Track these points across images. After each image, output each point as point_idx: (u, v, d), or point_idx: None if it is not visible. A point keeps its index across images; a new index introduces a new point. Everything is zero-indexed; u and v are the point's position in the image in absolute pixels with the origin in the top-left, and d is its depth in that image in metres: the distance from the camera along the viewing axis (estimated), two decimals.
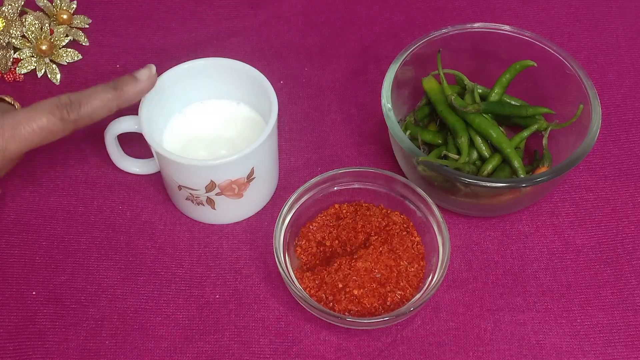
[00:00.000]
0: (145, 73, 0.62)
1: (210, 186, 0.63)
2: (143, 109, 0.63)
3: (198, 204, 0.65)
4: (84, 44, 0.79)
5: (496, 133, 0.66)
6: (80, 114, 0.59)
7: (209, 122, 0.68)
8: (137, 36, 0.81)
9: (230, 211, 0.67)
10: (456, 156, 0.65)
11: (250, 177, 0.64)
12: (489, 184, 0.61)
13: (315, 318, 0.63)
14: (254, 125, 0.68)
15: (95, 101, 0.60)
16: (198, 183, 0.63)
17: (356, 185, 0.67)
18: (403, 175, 0.67)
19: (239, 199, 0.65)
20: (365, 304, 0.61)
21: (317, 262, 0.64)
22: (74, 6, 0.80)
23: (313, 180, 0.65)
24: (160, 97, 0.65)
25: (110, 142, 0.67)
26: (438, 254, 0.62)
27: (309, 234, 0.65)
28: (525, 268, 0.66)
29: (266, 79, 0.65)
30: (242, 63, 0.67)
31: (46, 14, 0.79)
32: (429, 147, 0.69)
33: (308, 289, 0.62)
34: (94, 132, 0.69)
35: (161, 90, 0.65)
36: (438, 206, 0.64)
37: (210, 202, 0.65)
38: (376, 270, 0.61)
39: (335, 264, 0.62)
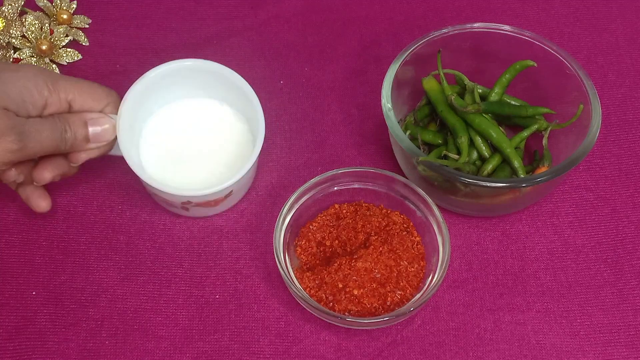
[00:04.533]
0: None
1: (187, 203, 0.64)
2: (121, 131, 0.62)
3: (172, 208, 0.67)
4: (84, 44, 0.79)
5: (496, 133, 0.66)
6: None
7: (189, 131, 0.68)
8: (137, 36, 0.81)
9: (204, 213, 0.68)
10: (456, 156, 0.65)
11: (227, 196, 0.65)
12: (489, 184, 0.61)
13: (315, 318, 0.63)
14: (238, 133, 0.68)
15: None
16: (175, 202, 0.64)
17: (356, 185, 0.67)
18: (403, 175, 0.67)
19: (215, 206, 0.66)
20: (365, 304, 0.60)
21: (317, 262, 0.64)
22: (74, 6, 0.80)
23: (313, 180, 0.65)
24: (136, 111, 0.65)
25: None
26: (438, 254, 0.62)
27: (309, 234, 0.65)
28: (525, 268, 0.66)
29: (252, 91, 0.65)
30: (223, 67, 0.66)
31: (46, 14, 0.79)
32: (429, 147, 0.69)
33: (308, 289, 0.61)
34: None
35: (136, 101, 0.64)
36: (438, 206, 0.64)
37: (185, 209, 0.66)
38: (376, 270, 0.61)
39: (335, 264, 0.62)
